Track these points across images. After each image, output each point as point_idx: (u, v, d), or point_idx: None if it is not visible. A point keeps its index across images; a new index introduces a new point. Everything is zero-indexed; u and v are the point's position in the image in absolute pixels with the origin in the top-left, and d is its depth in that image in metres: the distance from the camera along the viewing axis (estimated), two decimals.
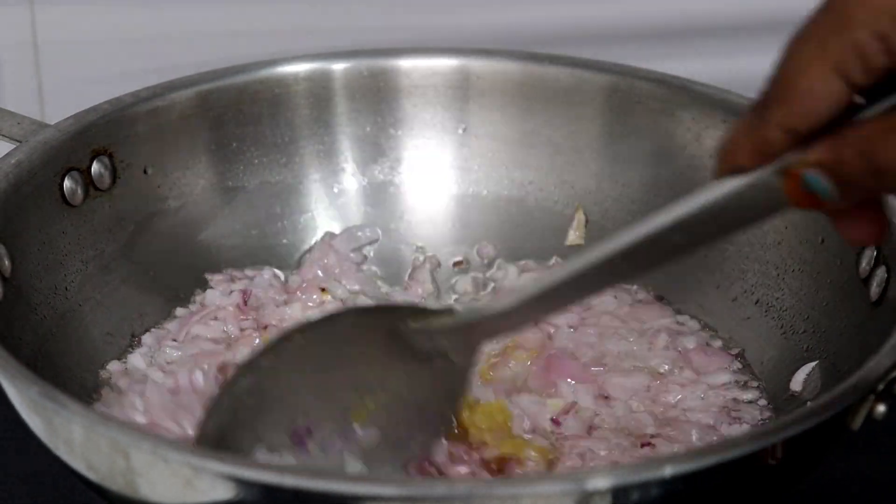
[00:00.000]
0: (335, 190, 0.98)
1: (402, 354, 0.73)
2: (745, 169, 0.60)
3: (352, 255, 0.95)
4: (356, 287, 0.93)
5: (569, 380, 0.84)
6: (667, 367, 0.85)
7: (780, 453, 0.65)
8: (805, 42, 0.58)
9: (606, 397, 0.83)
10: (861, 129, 0.56)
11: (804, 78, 0.57)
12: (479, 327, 0.72)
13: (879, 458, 0.85)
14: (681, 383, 0.85)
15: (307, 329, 0.73)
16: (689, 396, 0.83)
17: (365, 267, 0.95)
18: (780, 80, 0.58)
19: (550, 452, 0.77)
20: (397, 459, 0.74)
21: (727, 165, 0.61)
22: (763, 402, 0.83)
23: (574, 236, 0.96)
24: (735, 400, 0.83)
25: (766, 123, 0.58)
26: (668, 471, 0.61)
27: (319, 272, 0.93)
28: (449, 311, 0.75)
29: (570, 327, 0.89)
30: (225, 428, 0.70)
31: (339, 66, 0.97)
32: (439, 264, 0.96)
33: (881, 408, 0.68)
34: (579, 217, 0.96)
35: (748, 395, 0.84)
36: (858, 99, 0.57)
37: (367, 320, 0.74)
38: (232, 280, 0.92)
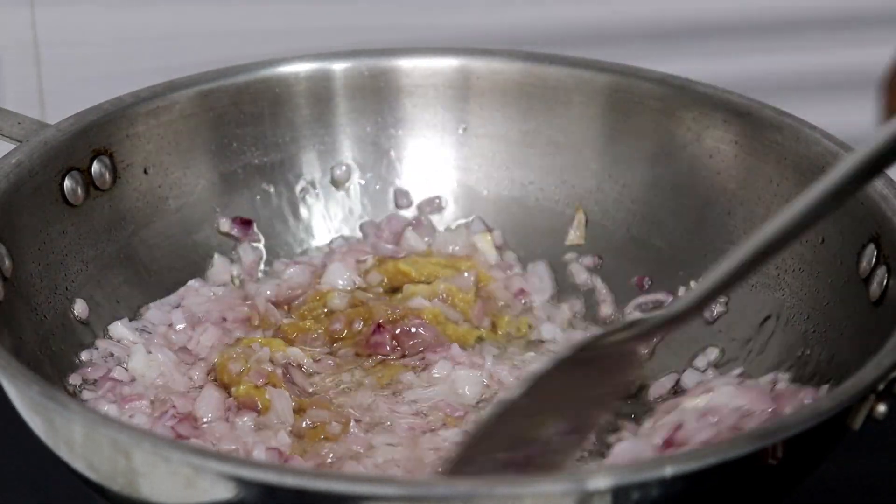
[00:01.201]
0: (336, 190, 0.98)
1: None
2: None
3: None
4: None
5: None
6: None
7: (780, 453, 0.65)
8: None
9: None
10: None
11: None
12: (657, 331, 0.73)
13: (879, 458, 0.85)
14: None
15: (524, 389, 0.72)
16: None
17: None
18: None
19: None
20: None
21: None
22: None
23: (574, 236, 0.96)
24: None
25: None
26: (668, 471, 0.61)
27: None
28: (631, 325, 0.73)
29: None
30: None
31: (339, 66, 0.97)
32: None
33: (882, 407, 0.68)
34: (579, 217, 0.96)
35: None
36: None
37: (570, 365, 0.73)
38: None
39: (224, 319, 0.88)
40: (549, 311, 0.93)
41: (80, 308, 0.85)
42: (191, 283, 0.91)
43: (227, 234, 0.94)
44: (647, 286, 0.92)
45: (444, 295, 0.90)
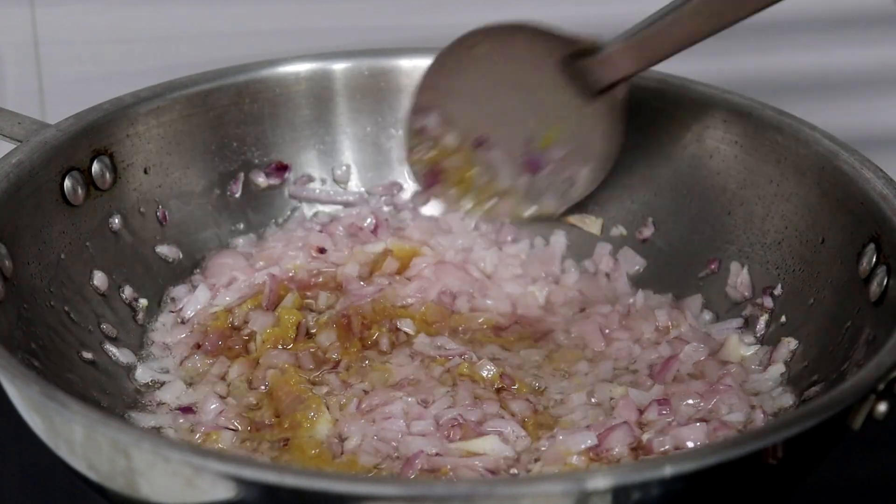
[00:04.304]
0: (336, 190, 0.98)
1: (573, 89, 0.86)
2: None
3: None
4: None
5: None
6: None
7: (780, 453, 0.65)
8: None
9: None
10: None
11: None
12: (625, 55, 0.84)
13: (879, 458, 0.85)
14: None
15: (489, 34, 0.86)
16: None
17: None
18: None
19: None
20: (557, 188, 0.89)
21: None
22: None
23: (595, 229, 0.96)
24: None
25: None
26: (668, 471, 0.61)
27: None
28: (594, 45, 0.86)
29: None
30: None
31: (339, 66, 0.97)
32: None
33: (882, 407, 0.68)
34: (574, 221, 0.97)
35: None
36: None
37: (541, 44, 0.86)
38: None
39: None
40: None
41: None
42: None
43: (267, 188, 0.96)
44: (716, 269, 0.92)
45: None
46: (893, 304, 0.76)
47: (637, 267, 0.94)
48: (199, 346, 0.87)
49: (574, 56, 0.89)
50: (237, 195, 0.95)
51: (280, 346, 0.86)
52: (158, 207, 0.92)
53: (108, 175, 0.89)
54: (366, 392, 0.82)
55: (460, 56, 0.92)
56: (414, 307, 0.90)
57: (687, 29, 0.81)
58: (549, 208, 0.94)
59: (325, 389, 0.82)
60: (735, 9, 0.78)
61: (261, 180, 0.96)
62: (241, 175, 0.95)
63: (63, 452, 0.69)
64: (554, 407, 0.82)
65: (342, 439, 0.78)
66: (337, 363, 0.85)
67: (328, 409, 0.80)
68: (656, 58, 0.86)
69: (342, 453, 0.77)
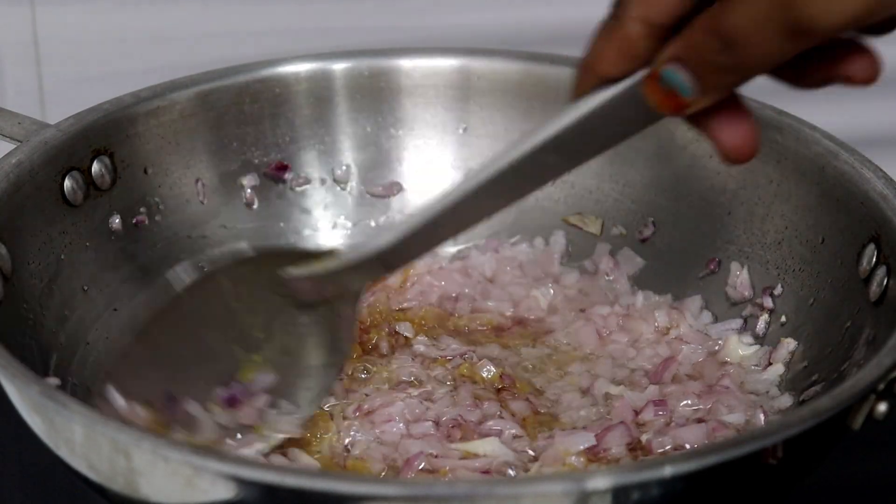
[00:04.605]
0: (336, 190, 0.98)
1: (286, 303, 0.76)
2: (612, 78, 0.61)
3: None
4: None
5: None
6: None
7: (780, 453, 0.65)
8: None
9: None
10: (706, 12, 0.57)
11: None
12: (361, 268, 0.73)
13: (879, 458, 0.85)
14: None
15: (190, 292, 0.75)
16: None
17: None
18: None
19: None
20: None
21: (592, 78, 0.61)
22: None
23: (594, 228, 0.96)
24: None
25: (625, 20, 0.59)
26: (668, 471, 0.61)
27: None
28: (330, 253, 0.75)
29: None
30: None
31: (339, 66, 0.97)
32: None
33: (882, 407, 0.68)
34: (576, 221, 0.97)
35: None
36: None
37: (247, 270, 0.75)
38: None
39: None
40: None
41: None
42: None
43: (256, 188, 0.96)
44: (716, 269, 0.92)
45: None
46: (893, 304, 0.76)
47: (637, 267, 0.94)
48: None
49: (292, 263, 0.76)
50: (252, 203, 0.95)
51: None
52: (159, 208, 0.92)
53: (107, 175, 0.89)
54: (367, 395, 0.82)
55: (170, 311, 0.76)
56: (412, 311, 0.90)
57: (423, 242, 0.71)
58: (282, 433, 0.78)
59: (331, 400, 0.82)
60: (457, 227, 0.71)
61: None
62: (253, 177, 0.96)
63: (63, 452, 0.69)
64: (553, 407, 0.82)
65: (345, 446, 0.78)
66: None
67: (332, 418, 0.80)
68: (395, 267, 0.74)
69: (344, 464, 0.77)
